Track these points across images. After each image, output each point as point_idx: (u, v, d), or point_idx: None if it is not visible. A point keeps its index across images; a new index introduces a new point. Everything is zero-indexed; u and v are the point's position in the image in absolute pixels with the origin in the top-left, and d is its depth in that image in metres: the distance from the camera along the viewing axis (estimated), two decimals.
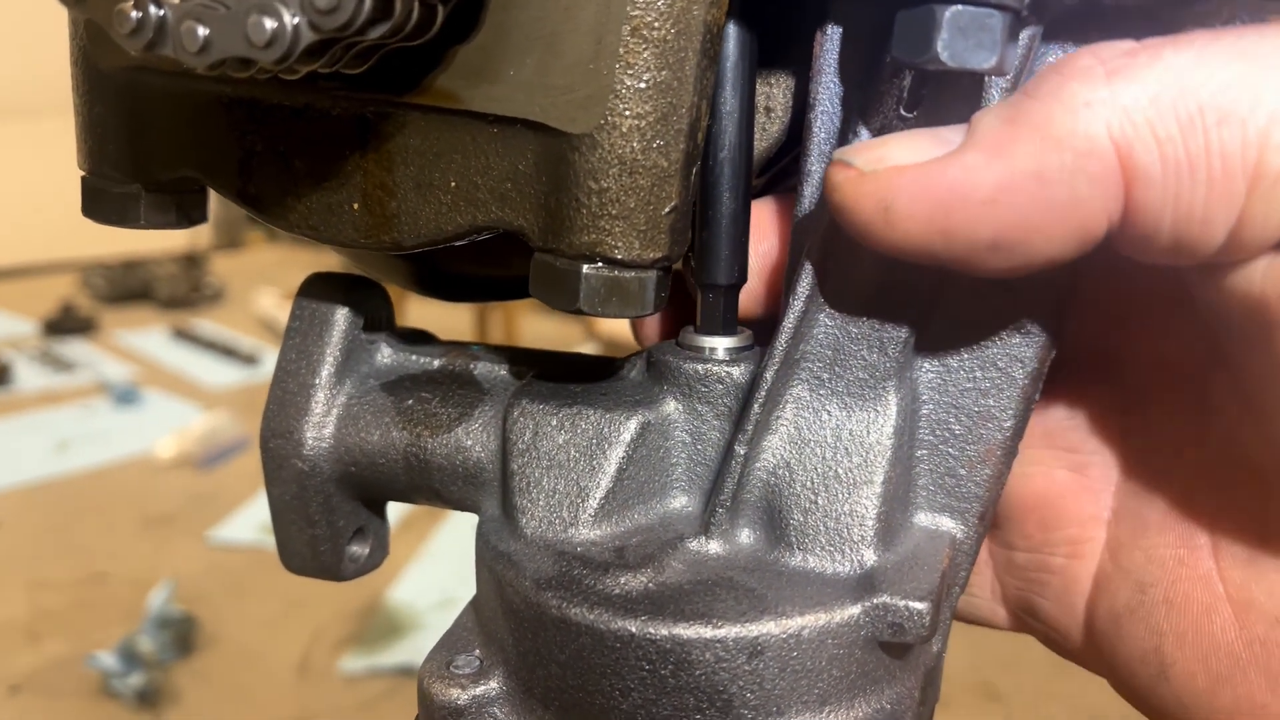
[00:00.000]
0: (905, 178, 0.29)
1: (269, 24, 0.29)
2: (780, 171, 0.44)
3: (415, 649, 2.34)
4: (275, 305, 4.66)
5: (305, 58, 0.30)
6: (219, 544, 2.87)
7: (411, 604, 2.46)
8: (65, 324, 4.62)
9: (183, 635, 2.37)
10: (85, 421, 3.66)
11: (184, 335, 4.60)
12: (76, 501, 3.14)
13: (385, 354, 0.44)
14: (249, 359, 4.27)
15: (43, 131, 5.17)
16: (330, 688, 2.31)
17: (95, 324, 4.74)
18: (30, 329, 4.67)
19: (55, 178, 5.52)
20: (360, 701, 2.26)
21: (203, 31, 0.29)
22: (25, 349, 4.37)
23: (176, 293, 5.06)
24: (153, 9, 0.30)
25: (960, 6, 0.29)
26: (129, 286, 5.10)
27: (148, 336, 4.67)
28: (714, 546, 0.37)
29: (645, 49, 0.31)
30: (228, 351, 4.35)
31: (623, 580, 0.35)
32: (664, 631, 0.33)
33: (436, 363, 0.44)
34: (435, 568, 2.53)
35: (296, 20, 0.29)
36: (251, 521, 2.95)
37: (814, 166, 0.37)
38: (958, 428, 0.38)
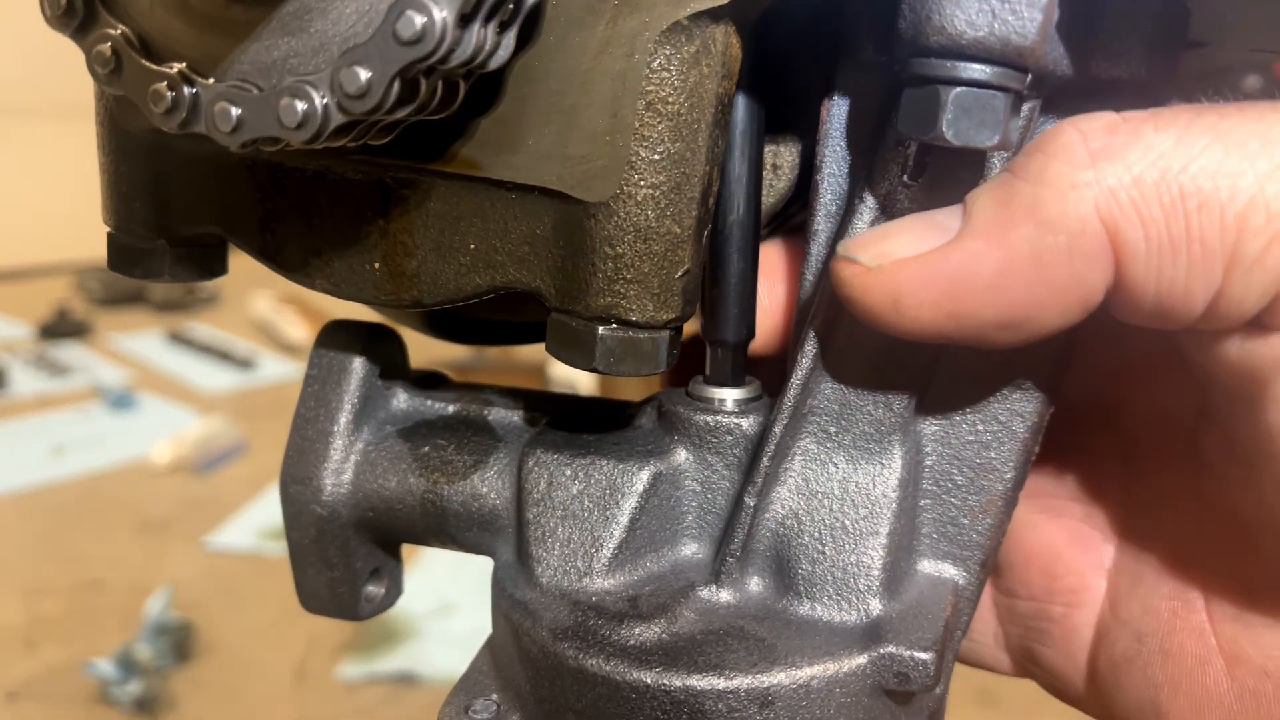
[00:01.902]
0: (910, 270, 0.30)
1: (300, 106, 0.30)
2: (785, 220, 0.46)
3: (412, 656, 2.35)
4: (270, 308, 4.65)
5: (334, 136, 0.31)
6: (216, 550, 2.87)
7: (408, 611, 2.47)
8: (60, 327, 4.61)
9: (180, 642, 2.37)
10: (81, 426, 3.66)
11: (179, 339, 4.60)
12: (72, 507, 3.14)
13: (401, 400, 0.45)
14: (245, 363, 4.26)
15: (38, 134, 5.16)
16: (327, 694, 2.32)
17: (90, 327, 4.73)
18: (25, 332, 4.66)
19: (49, 180, 5.51)
20: (358, 708, 2.27)
21: (235, 112, 0.30)
22: (20, 353, 4.37)
23: (171, 296, 5.05)
24: (186, 89, 0.31)
25: (964, 88, 0.30)
26: (124, 289, 5.09)
27: (143, 340, 4.66)
28: (725, 595, 0.38)
29: (660, 122, 0.33)
30: (223, 355, 4.34)
31: (637, 631, 0.36)
32: (678, 683, 0.34)
33: (451, 408, 0.45)
34: (432, 575, 2.54)
35: (326, 101, 0.30)
36: (248, 527, 2.95)
37: (820, 226, 0.38)
38: (960, 479, 0.39)
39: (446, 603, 2.47)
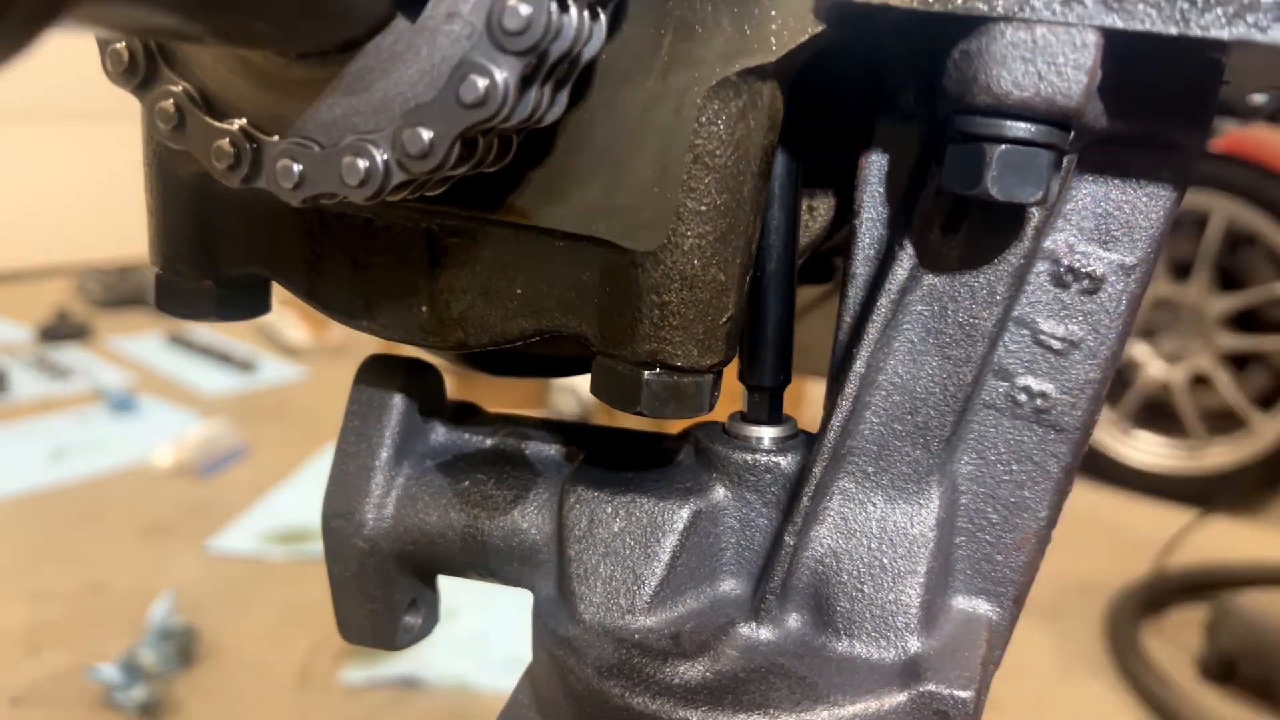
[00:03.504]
0: None
1: (363, 165, 0.30)
2: (811, 259, 0.46)
3: (416, 660, 2.35)
4: (272, 310, 4.65)
5: (394, 192, 0.31)
6: (218, 553, 2.87)
7: None
8: (60, 330, 4.60)
9: (183, 647, 2.37)
10: (81, 429, 3.65)
11: (180, 341, 4.59)
12: (73, 510, 3.13)
13: (440, 434, 0.46)
14: (246, 366, 4.26)
15: (38, 137, 5.16)
16: (331, 699, 2.32)
17: (90, 330, 4.72)
18: (25, 335, 4.66)
19: (49, 183, 5.51)
20: (361, 713, 2.27)
21: (298, 169, 0.31)
22: (20, 355, 4.36)
23: None
24: (249, 145, 0.31)
25: (1010, 145, 0.31)
26: (124, 291, 5.08)
27: (143, 342, 4.66)
28: (765, 633, 0.39)
29: (707, 175, 0.33)
30: (224, 358, 4.34)
31: (681, 669, 0.37)
32: None
33: (489, 441, 0.46)
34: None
35: (387, 159, 0.31)
36: (250, 531, 2.95)
37: (859, 270, 0.39)
38: (995, 517, 0.40)
39: (449, 608, 2.47)
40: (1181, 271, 3.15)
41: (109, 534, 2.97)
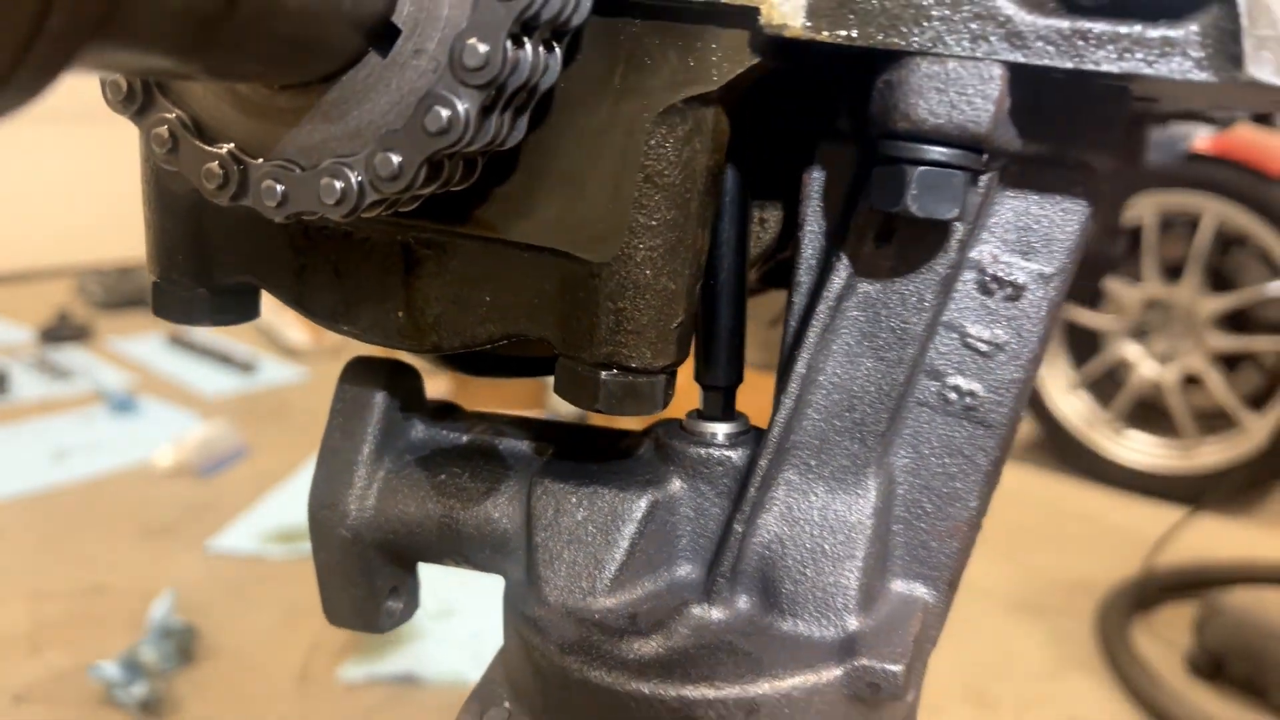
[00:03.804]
0: None
1: (339, 185, 0.34)
2: (773, 267, 0.50)
3: (414, 657, 2.38)
4: (271, 312, 4.68)
5: (367, 210, 0.35)
6: (218, 553, 2.90)
7: None
8: (61, 331, 4.64)
9: (184, 645, 2.40)
10: (83, 430, 3.68)
11: (180, 343, 4.62)
12: (75, 511, 3.16)
13: (419, 430, 0.49)
14: (246, 367, 4.29)
15: (39, 138, 5.19)
16: (330, 696, 2.35)
17: (91, 331, 4.75)
18: (26, 336, 4.69)
19: (50, 185, 5.54)
20: (360, 710, 2.30)
21: (280, 189, 0.34)
22: (21, 356, 4.39)
23: None
24: (236, 167, 0.35)
25: (927, 167, 0.34)
26: (125, 293, 5.12)
27: (144, 344, 4.69)
28: (716, 613, 0.42)
29: (656, 193, 0.37)
30: (224, 359, 4.37)
31: (636, 645, 0.40)
32: (673, 693, 0.38)
33: (465, 438, 0.49)
34: (434, 579, 2.57)
35: (361, 181, 0.34)
36: (251, 531, 2.98)
37: (803, 278, 0.42)
38: (929, 506, 0.43)
39: (447, 606, 2.51)
40: (1173, 272, 3.18)
41: (110, 534, 3.00)
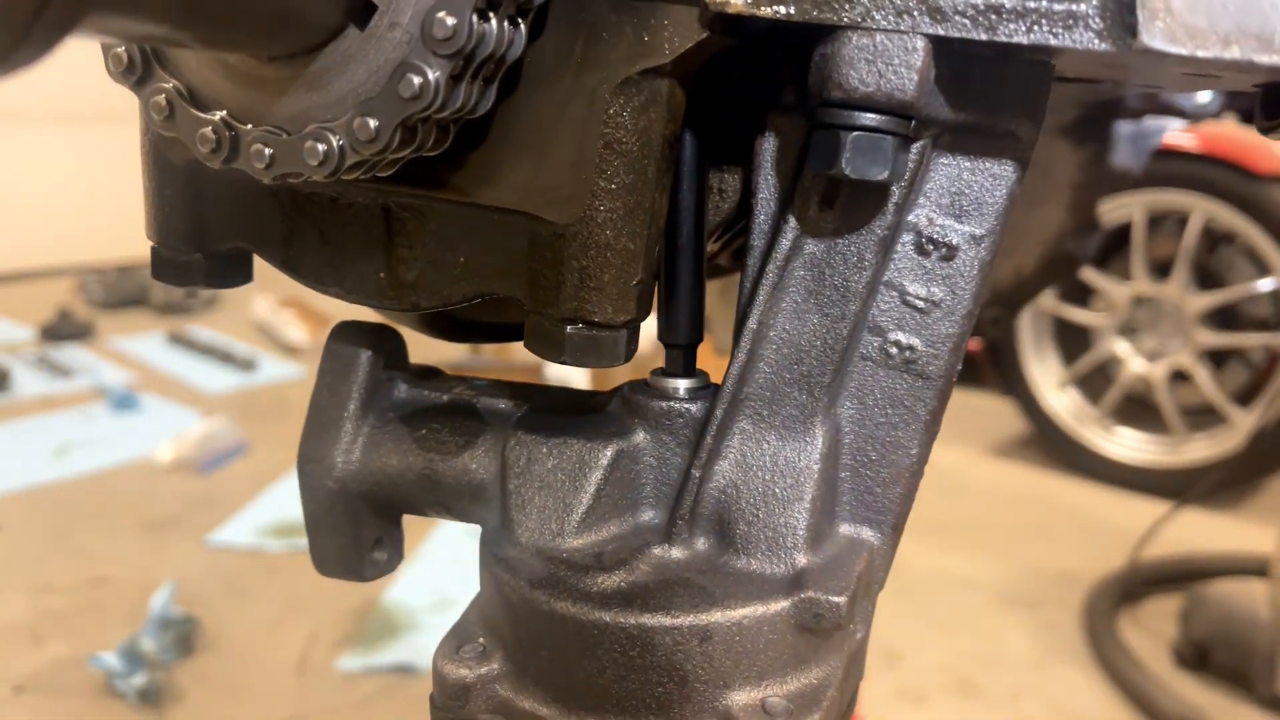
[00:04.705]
0: None
1: (321, 148, 0.37)
2: (733, 235, 0.53)
3: (411, 648, 2.41)
4: (271, 311, 4.72)
5: (348, 171, 0.38)
6: (218, 547, 2.93)
7: (407, 604, 2.54)
8: (62, 330, 4.67)
9: (184, 636, 2.43)
10: (84, 427, 3.71)
11: (180, 340, 4.66)
12: (77, 506, 3.19)
13: (402, 390, 0.52)
14: (246, 364, 4.32)
15: (41, 138, 5.23)
16: (328, 686, 2.38)
17: (92, 329, 4.79)
18: (28, 335, 4.72)
19: (51, 184, 5.58)
20: (358, 699, 2.33)
21: (269, 152, 0.38)
22: (23, 354, 4.43)
23: (172, 298, 5.11)
24: (228, 133, 0.38)
25: (859, 132, 0.37)
26: (125, 292, 5.15)
27: (144, 342, 4.72)
28: (675, 552, 0.45)
29: (616, 159, 0.40)
30: (225, 357, 4.40)
31: (600, 580, 0.43)
32: (632, 621, 0.41)
33: (445, 397, 0.52)
34: (430, 570, 2.60)
35: (342, 144, 0.37)
36: (250, 525, 3.01)
37: (756, 242, 0.45)
38: (874, 454, 0.46)
39: (444, 597, 2.54)
40: (1162, 270, 3.21)
41: (111, 528, 3.04)
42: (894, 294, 0.44)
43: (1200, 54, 0.33)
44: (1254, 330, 3.19)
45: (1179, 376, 3.24)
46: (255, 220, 0.46)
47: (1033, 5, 0.34)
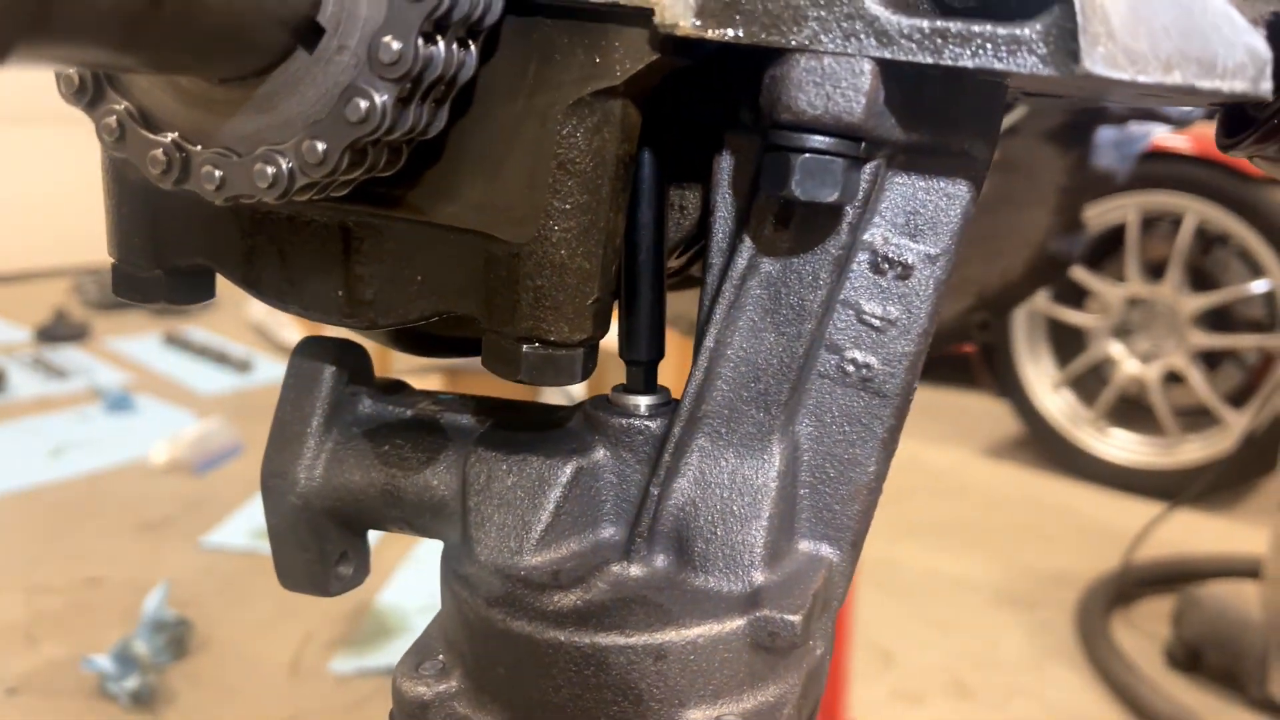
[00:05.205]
0: None
1: (270, 170, 0.37)
2: (699, 250, 0.53)
3: (403, 650, 2.41)
4: (267, 312, 4.72)
5: (299, 193, 0.38)
6: (212, 548, 2.93)
7: (399, 607, 2.54)
8: (58, 330, 4.67)
9: (177, 638, 2.43)
10: (79, 428, 3.71)
11: (176, 342, 4.66)
12: (71, 506, 3.19)
13: (366, 405, 0.52)
14: (242, 365, 4.32)
15: (36, 139, 5.23)
16: (321, 688, 2.38)
17: (88, 330, 4.79)
18: (24, 336, 4.72)
19: (48, 186, 5.58)
20: (350, 701, 2.33)
21: (219, 174, 0.38)
22: (19, 355, 4.43)
23: None
24: (179, 154, 0.38)
25: (809, 154, 0.37)
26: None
27: (140, 343, 4.73)
28: (634, 570, 0.45)
29: (569, 179, 0.40)
30: (220, 358, 4.40)
31: (556, 598, 0.43)
32: (586, 640, 0.41)
33: (409, 412, 0.52)
34: (422, 573, 2.61)
35: (291, 166, 0.37)
36: (244, 527, 3.01)
37: (714, 259, 0.45)
38: (832, 472, 0.46)
39: (435, 600, 2.54)
40: (1155, 272, 3.21)
41: (106, 529, 3.04)
42: (850, 312, 0.44)
43: (1142, 79, 0.33)
44: (1247, 332, 3.19)
45: (1173, 378, 3.24)
46: (215, 238, 0.46)
47: (977, 30, 0.34)
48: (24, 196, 5.55)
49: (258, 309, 4.84)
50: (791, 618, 0.42)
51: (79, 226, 5.71)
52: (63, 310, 4.87)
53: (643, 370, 0.48)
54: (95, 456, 3.47)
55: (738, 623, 0.42)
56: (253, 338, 4.78)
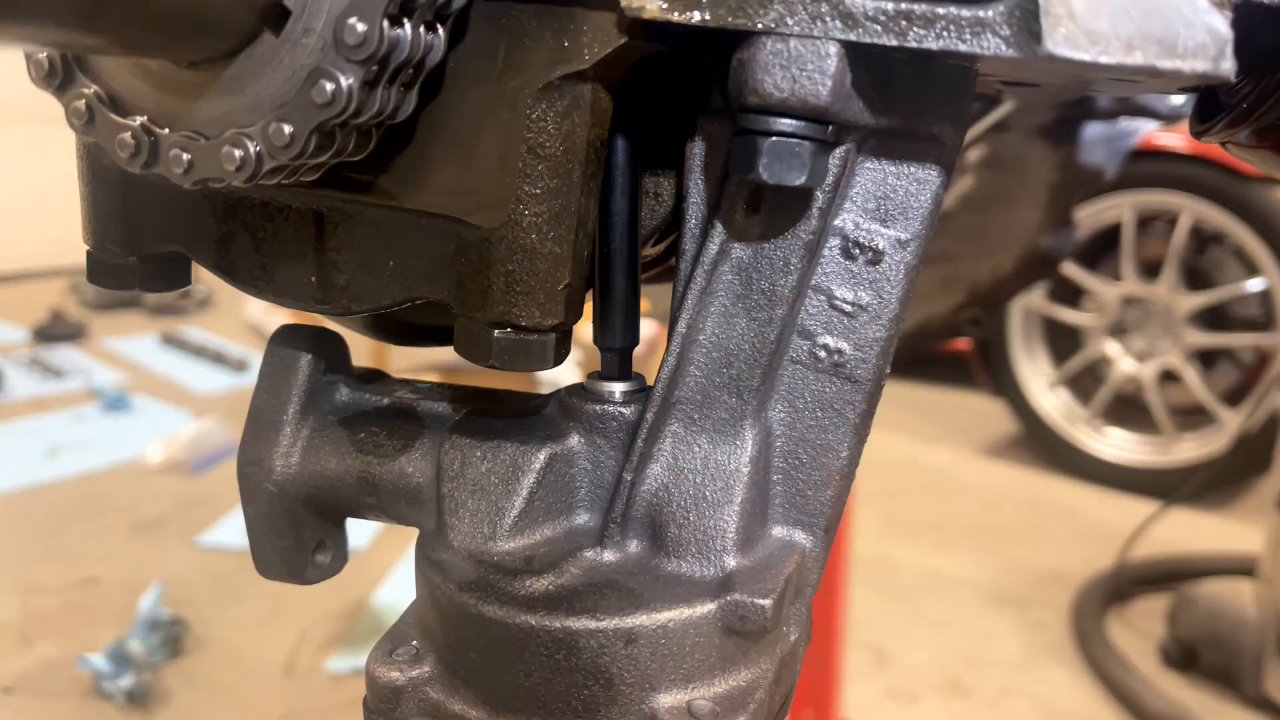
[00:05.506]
0: None
1: (238, 154, 0.37)
2: (674, 241, 0.53)
3: None
4: (264, 312, 4.72)
5: (267, 176, 0.38)
6: (208, 548, 2.93)
7: (394, 606, 2.54)
8: (55, 331, 4.67)
9: (172, 637, 2.43)
10: (76, 428, 3.71)
11: (173, 341, 4.66)
12: (67, 506, 3.19)
13: (343, 393, 0.52)
14: (238, 365, 4.32)
15: (33, 139, 5.22)
16: (316, 687, 2.38)
17: (85, 331, 4.79)
18: (20, 336, 4.72)
19: (45, 186, 5.57)
20: (345, 700, 2.33)
21: (187, 157, 0.38)
22: (15, 356, 4.43)
23: (165, 300, 5.11)
24: (147, 138, 0.38)
25: (776, 138, 0.37)
26: (118, 294, 5.15)
27: (137, 343, 4.72)
28: (607, 555, 0.45)
29: (539, 163, 0.40)
30: (217, 358, 4.40)
31: (528, 583, 0.43)
32: (557, 624, 0.41)
33: (386, 400, 0.52)
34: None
35: (259, 149, 0.37)
36: (240, 526, 3.00)
37: (687, 246, 0.45)
38: (805, 457, 0.46)
39: None
40: (1151, 271, 3.21)
41: (102, 529, 3.04)
42: (822, 298, 0.44)
43: (1104, 60, 0.33)
44: (1243, 330, 3.19)
45: (1168, 377, 3.24)
46: (189, 224, 0.46)
47: (941, 11, 0.35)
48: (21, 197, 5.55)
49: (255, 309, 4.83)
50: (762, 602, 0.42)
51: (76, 227, 5.72)
52: (59, 310, 4.87)
53: (617, 356, 0.48)
54: (91, 456, 3.47)
55: (709, 607, 0.42)
56: (249, 337, 4.78)
